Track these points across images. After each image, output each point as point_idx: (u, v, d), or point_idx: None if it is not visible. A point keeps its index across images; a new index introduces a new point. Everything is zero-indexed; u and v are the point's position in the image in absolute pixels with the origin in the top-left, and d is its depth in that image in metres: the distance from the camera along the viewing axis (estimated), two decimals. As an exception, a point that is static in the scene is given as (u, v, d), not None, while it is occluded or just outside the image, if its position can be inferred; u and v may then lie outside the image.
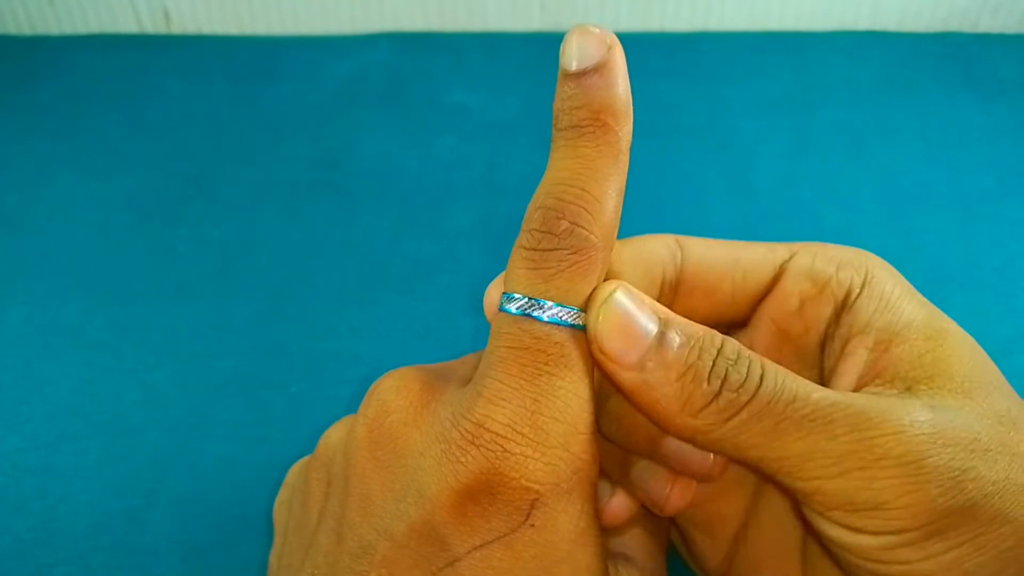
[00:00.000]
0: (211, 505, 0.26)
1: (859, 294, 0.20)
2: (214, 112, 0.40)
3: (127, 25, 0.44)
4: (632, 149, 0.19)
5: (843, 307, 0.21)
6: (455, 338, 0.30)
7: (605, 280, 0.19)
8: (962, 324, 0.30)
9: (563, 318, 0.18)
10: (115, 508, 0.26)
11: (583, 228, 0.18)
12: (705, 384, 0.17)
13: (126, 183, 0.36)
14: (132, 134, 0.39)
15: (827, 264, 0.21)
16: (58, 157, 0.38)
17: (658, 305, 0.18)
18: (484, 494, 0.17)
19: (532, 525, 0.17)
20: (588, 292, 0.18)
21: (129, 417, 0.28)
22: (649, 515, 0.22)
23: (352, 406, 0.28)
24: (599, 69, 0.18)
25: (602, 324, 0.18)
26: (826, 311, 0.21)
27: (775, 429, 0.17)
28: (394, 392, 0.19)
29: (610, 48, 0.18)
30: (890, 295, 0.20)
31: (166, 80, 0.42)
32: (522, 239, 0.18)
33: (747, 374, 0.17)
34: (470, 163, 0.37)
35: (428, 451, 0.18)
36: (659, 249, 0.21)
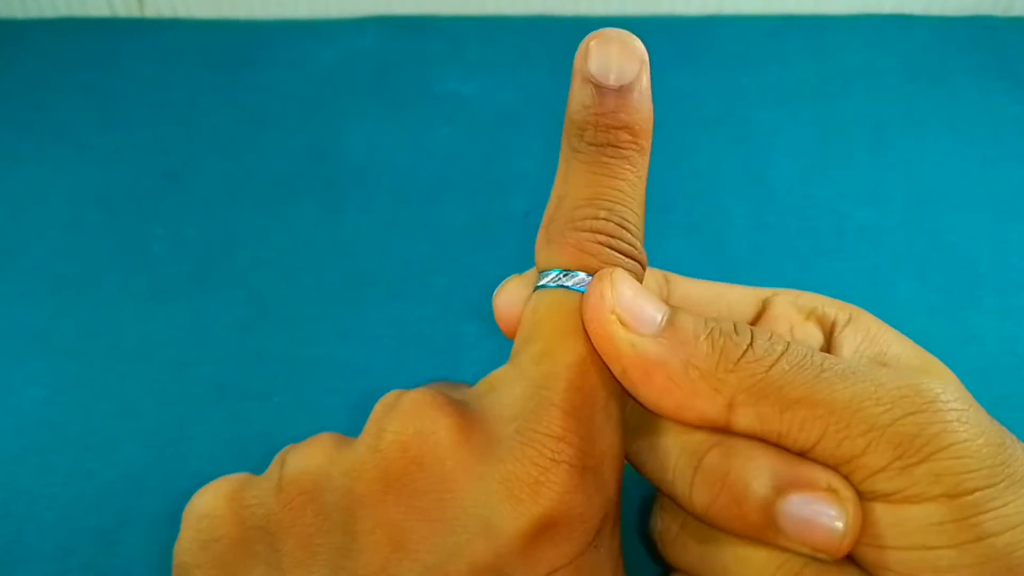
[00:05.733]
0: (188, 524, 0.26)
1: (845, 327, 0.21)
2: (191, 102, 0.40)
3: (98, 8, 0.44)
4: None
5: (830, 338, 0.21)
6: (450, 344, 0.30)
7: None
8: (994, 327, 0.30)
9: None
10: (85, 528, 0.26)
11: (629, 245, 0.19)
12: (735, 335, 0.18)
13: (97, 178, 0.36)
14: (103, 125, 0.39)
15: (811, 300, 0.22)
16: (23, 150, 0.38)
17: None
18: (561, 525, 0.17)
19: (596, 547, 0.17)
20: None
21: (100, 430, 0.28)
22: None
23: (339, 417, 0.28)
24: (636, 87, 0.19)
25: (618, 285, 0.18)
26: (815, 338, 0.22)
27: (818, 378, 0.17)
28: (430, 409, 0.18)
29: (643, 63, 0.19)
30: (876, 332, 0.21)
31: (140, 67, 0.41)
32: (560, 226, 0.19)
33: (771, 337, 0.18)
34: (466, 156, 0.37)
35: (491, 475, 0.17)
36: (648, 282, 0.22)
